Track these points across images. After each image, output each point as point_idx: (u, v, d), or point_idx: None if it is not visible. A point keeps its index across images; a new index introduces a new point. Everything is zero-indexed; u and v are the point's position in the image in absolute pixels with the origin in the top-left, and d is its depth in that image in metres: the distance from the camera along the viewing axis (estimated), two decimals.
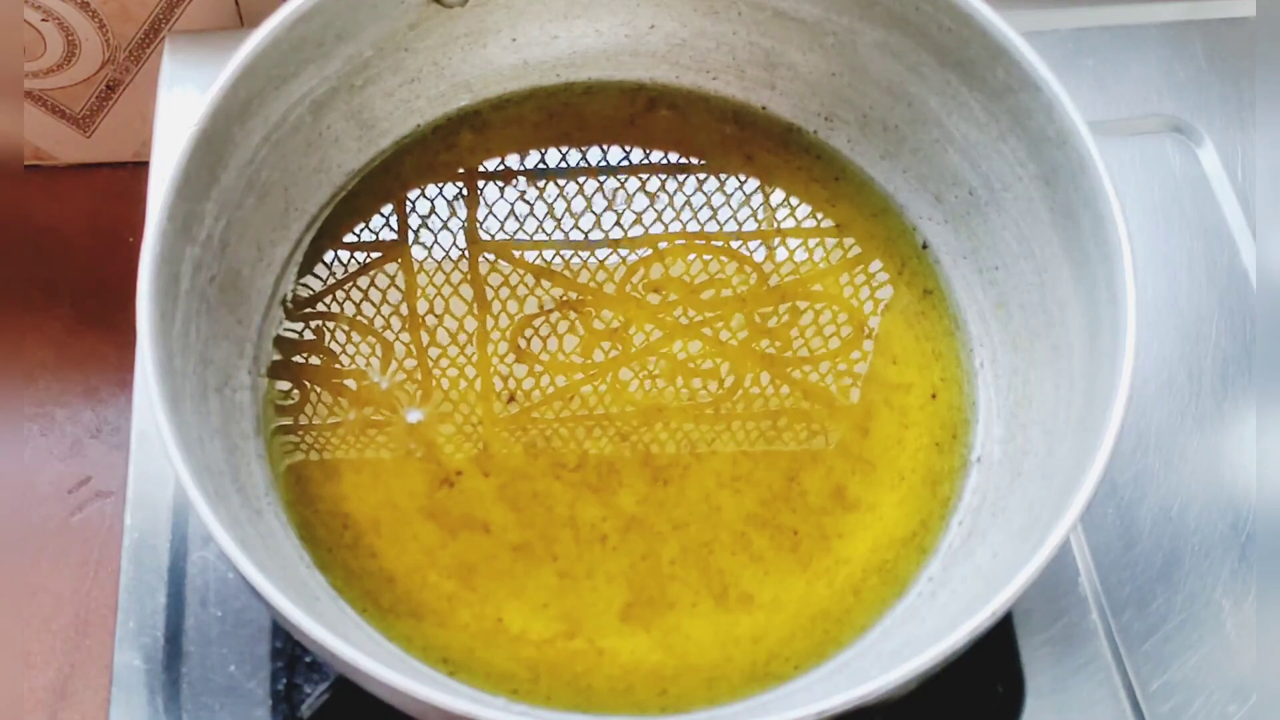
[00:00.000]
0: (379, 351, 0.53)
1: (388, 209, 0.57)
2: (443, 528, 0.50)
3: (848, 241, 0.57)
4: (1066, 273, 0.52)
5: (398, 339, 0.54)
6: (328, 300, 0.55)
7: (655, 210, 0.57)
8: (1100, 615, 0.54)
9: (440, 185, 0.57)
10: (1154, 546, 0.56)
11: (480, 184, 0.57)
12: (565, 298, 0.55)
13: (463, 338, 0.54)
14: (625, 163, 0.58)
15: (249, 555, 0.43)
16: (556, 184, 0.57)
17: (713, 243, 0.56)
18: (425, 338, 0.54)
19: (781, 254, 0.56)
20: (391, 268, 0.56)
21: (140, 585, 0.53)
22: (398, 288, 0.55)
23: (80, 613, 0.71)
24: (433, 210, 0.57)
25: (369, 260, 0.56)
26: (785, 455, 0.52)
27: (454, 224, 0.56)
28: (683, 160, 0.58)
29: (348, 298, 0.55)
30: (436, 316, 0.54)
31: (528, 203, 0.57)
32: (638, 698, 0.48)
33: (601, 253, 0.56)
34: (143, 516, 0.55)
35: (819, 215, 0.57)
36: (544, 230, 0.56)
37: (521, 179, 0.57)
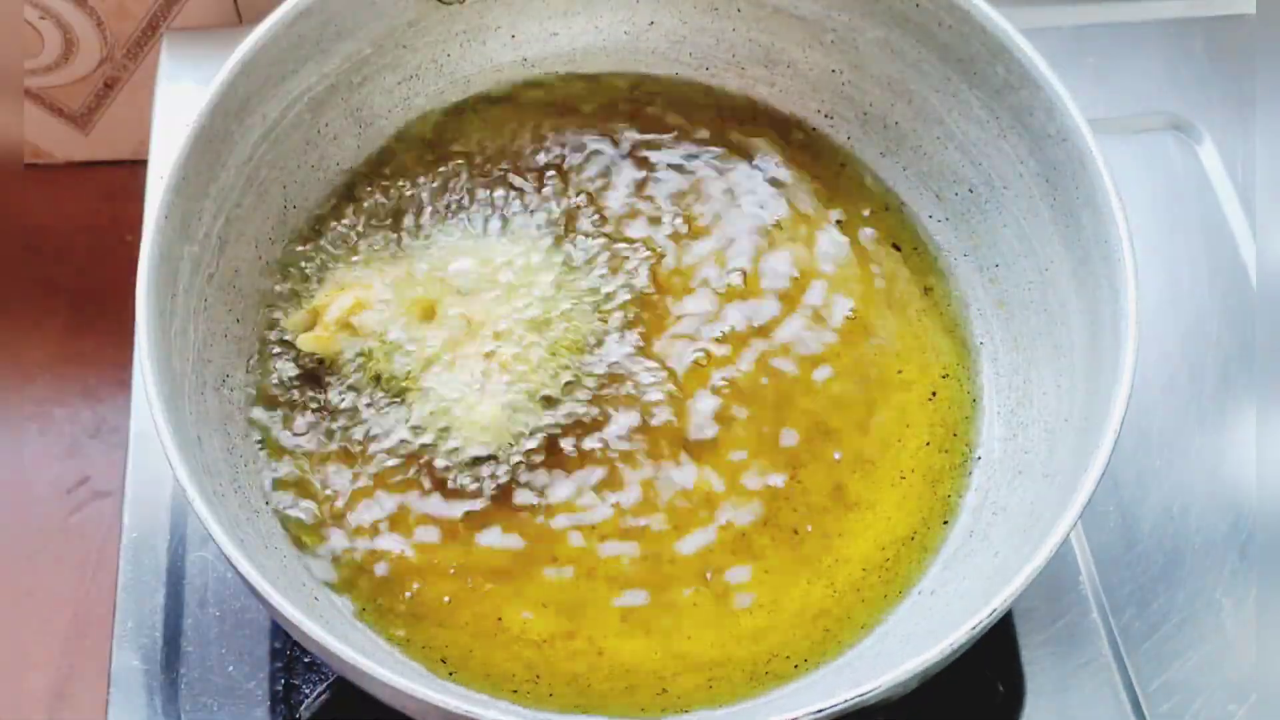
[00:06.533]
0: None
1: (386, 205, 0.56)
2: (442, 527, 0.50)
3: (847, 239, 0.57)
4: (1067, 271, 0.51)
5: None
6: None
7: (654, 207, 0.57)
8: (1101, 614, 0.54)
9: (440, 181, 0.57)
10: (1155, 546, 0.56)
11: (481, 180, 0.57)
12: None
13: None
14: (624, 159, 0.58)
15: (248, 555, 0.42)
16: (557, 178, 0.57)
17: (712, 240, 0.56)
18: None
19: (781, 251, 0.56)
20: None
21: (139, 585, 0.53)
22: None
23: (78, 613, 0.71)
24: (432, 206, 0.56)
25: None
26: (786, 454, 0.52)
27: (453, 220, 0.56)
28: (682, 157, 0.58)
29: None
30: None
31: (528, 198, 0.57)
32: (638, 697, 0.48)
33: (599, 250, 0.56)
34: (141, 516, 0.55)
35: (819, 212, 0.57)
36: (543, 226, 0.56)
37: (522, 174, 0.57)
